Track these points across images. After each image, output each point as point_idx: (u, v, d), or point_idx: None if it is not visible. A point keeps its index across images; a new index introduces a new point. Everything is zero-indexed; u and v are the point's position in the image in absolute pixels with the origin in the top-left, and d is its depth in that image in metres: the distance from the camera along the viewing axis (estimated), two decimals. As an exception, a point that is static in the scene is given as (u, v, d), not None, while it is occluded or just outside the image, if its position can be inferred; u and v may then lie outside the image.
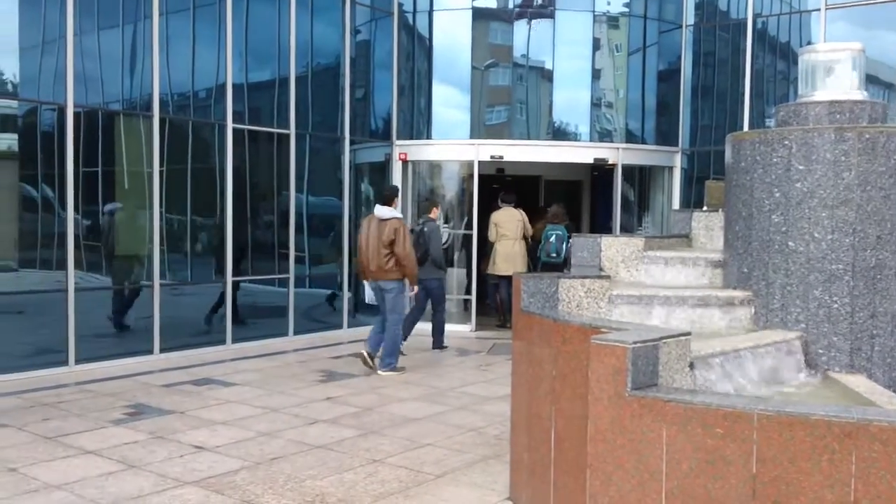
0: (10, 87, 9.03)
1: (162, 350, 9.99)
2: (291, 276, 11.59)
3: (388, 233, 8.96)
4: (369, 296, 9.54)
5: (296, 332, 11.57)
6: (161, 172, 10.04)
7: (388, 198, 9.31)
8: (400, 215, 9.29)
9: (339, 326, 12.30)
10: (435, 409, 7.81)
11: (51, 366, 9.07)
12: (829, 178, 4.52)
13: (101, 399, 8.00)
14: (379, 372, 9.30)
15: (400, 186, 12.79)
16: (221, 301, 10.83)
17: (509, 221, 12.06)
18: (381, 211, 9.13)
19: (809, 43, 12.25)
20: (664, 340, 3.63)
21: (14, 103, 9.15)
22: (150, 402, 7.93)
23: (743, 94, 13.01)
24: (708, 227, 5.94)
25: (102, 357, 9.49)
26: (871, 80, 10.94)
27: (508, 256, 11.94)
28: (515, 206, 12.42)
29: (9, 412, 7.48)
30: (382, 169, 13.12)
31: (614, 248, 5.53)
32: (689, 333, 3.81)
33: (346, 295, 12.45)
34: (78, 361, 9.21)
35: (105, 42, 9.75)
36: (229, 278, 10.79)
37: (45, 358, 9.16)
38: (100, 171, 9.75)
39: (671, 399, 3.37)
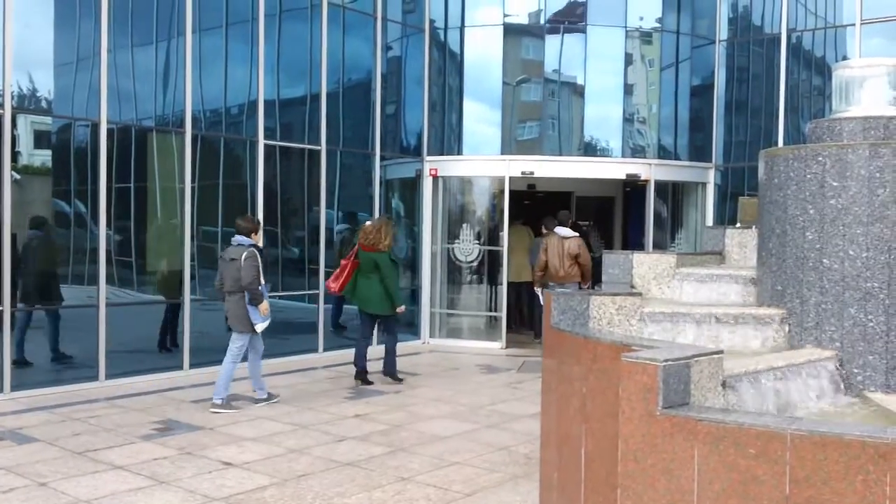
0: (44, 103, 9.18)
1: (191, 366, 10.04)
2: (321, 292, 11.61)
3: (573, 247, 11.13)
4: None
5: (325, 349, 11.58)
6: (193, 189, 10.14)
7: (565, 221, 11.65)
8: (577, 234, 11.41)
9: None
10: (464, 427, 7.76)
11: (81, 381, 9.15)
12: (863, 194, 4.43)
13: (131, 414, 8.05)
14: None
15: (430, 202, 12.84)
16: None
17: (518, 237, 13.10)
18: (562, 231, 11.34)
19: (844, 58, 12.09)
20: (696, 358, 3.56)
21: (48, 119, 9.31)
22: (179, 417, 7.97)
23: (777, 109, 12.86)
24: (741, 243, 5.85)
25: (132, 372, 9.57)
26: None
27: (521, 266, 12.95)
28: (523, 224, 13.42)
29: (39, 427, 7.55)
30: (413, 185, 13.14)
31: (646, 265, 5.46)
32: (721, 352, 3.74)
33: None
34: (108, 377, 9.29)
35: (138, 59, 9.89)
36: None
37: (76, 373, 9.25)
38: (132, 186, 9.88)
39: (703, 418, 3.31)
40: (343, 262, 9.74)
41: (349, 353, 11.59)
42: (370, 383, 9.62)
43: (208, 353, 10.32)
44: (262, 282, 8.35)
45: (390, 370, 9.79)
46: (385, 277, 9.49)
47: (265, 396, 8.64)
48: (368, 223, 9.95)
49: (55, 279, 9.30)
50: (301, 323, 11.71)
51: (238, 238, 8.43)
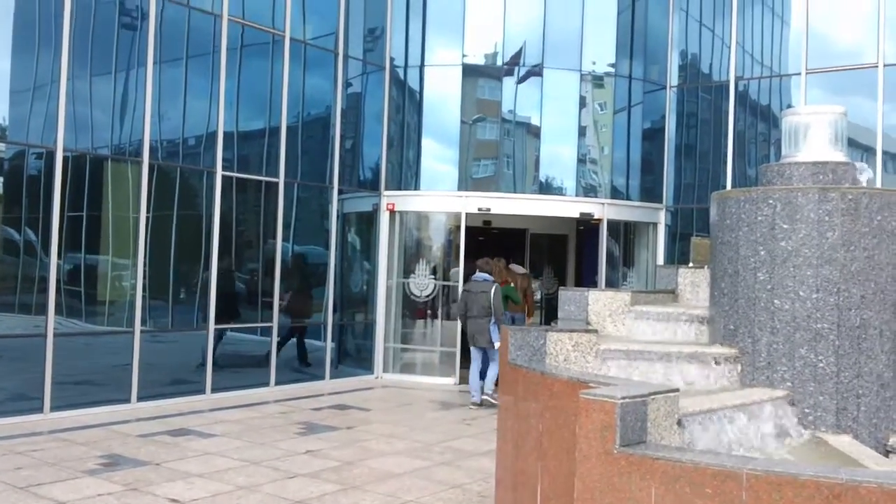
0: (-2, 130, 9.02)
1: (139, 398, 9.83)
2: (275, 325, 11.50)
3: (524, 283, 12.52)
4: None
5: (277, 383, 11.43)
6: (148, 218, 10.00)
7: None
8: (527, 272, 13.13)
9: (322, 377, 12.17)
10: (417, 464, 7.70)
11: (25, 413, 8.90)
12: (813, 237, 4.56)
13: (76, 448, 7.84)
14: None
15: (387, 237, 12.85)
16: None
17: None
18: (517, 268, 12.75)
19: (789, 106, 12.48)
20: (653, 396, 3.60)
21: (1, 146, 9.13)
22: (125, 452, 7.78)
23: (725, 153, 13.19)
24: (694, 283, 5.95)
25: (78, 405, 9.34)
26: (850, 144, 11.09)
27: None
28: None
29: (-19, 459, 7.31)
30: (370, 219, 13.14)
31: (601, 303, 5.53)
32: (677, 389, 3.79)
33: (330, 345, 12.34)
34: (53, 409, 9.05)
35: (97, 88, 9.78)
36: (211, 326, 10.69)
37: (19, 405, 8.99)
38: (84, 215, 9.71)
39: (660, 457, 3.33)
40: None
41: (301, 388, 11.56)
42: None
43: (157, 386, 10.13)
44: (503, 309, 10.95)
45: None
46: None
47: (478, 402, 10.66)
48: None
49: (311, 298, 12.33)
50: (253, 356, 11.55)
51: (482, 275, 10.89)
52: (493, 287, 10.69)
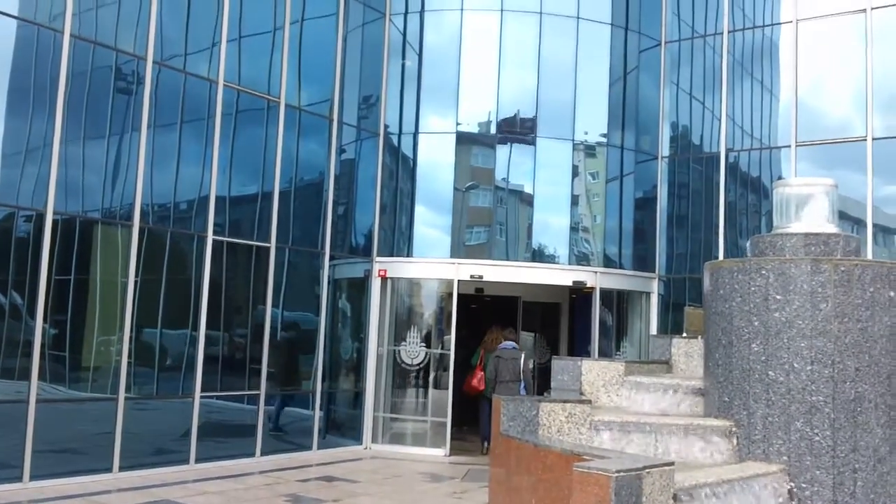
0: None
1: (122, 468, 9.59)
2: (262, 393, 11.32)
3: None
4: None
5: (263, 453, 11.19)
6: (136, 283, 9.92)
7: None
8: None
9: (309, 448, 11.92)
10: (405, 537, 7.50)
11: (3, 482, 8.65)
12: (806, 308, 4.53)
13: (55, 518, 7.62)
14: None
15: (378, 303, 12.77)
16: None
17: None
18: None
19: (780, 177, 12.58)
20: (648, 470, 3.52)
21: (-9, 208, 9.09)
22: (106, 522, 7.56)
23: (717, 224, 13.24)
24: (688, 353, 5.91)
25: (59, 474, 9.09)
26: (840, 216, 11.14)
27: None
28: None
29: (-45, 530, 7.08)
30: (362, 285, 13.08)
31: (595, 372, 5.46)
32: (672, 463, 3.71)
33: (318, 415, 12.14)
34: (33, 478, 8.80)
35: (90, 151, 9.80)
36: (197, 394, 10.51)
37: (-2, 473, 8.77)
38: (72, 279, 9.63)
39: (655, 533, 3.24)
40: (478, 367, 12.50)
41: (287, 458, 11.33)
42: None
43: (140, 455, 9.90)
44: None
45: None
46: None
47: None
48: (490, 334, 12.77)
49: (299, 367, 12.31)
50: (238, 425, 11.32)
51: (510, 343, 12.03)
52: (523, 355, 11.82)
